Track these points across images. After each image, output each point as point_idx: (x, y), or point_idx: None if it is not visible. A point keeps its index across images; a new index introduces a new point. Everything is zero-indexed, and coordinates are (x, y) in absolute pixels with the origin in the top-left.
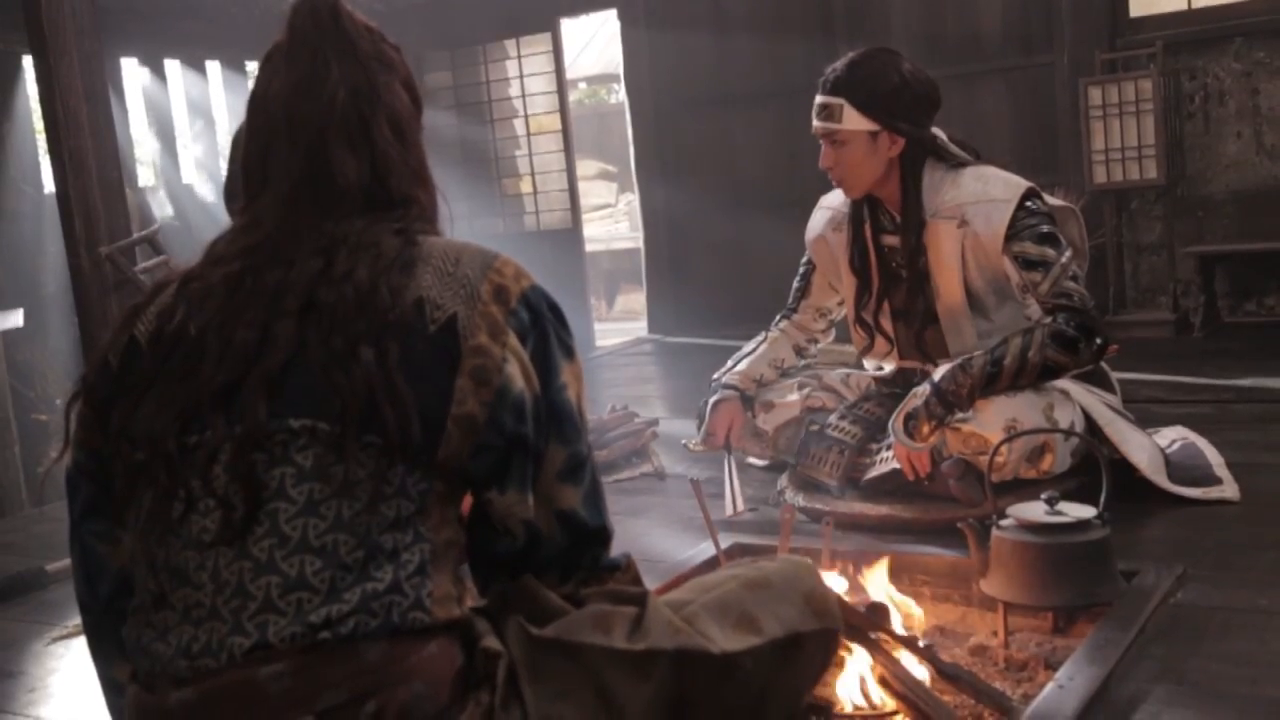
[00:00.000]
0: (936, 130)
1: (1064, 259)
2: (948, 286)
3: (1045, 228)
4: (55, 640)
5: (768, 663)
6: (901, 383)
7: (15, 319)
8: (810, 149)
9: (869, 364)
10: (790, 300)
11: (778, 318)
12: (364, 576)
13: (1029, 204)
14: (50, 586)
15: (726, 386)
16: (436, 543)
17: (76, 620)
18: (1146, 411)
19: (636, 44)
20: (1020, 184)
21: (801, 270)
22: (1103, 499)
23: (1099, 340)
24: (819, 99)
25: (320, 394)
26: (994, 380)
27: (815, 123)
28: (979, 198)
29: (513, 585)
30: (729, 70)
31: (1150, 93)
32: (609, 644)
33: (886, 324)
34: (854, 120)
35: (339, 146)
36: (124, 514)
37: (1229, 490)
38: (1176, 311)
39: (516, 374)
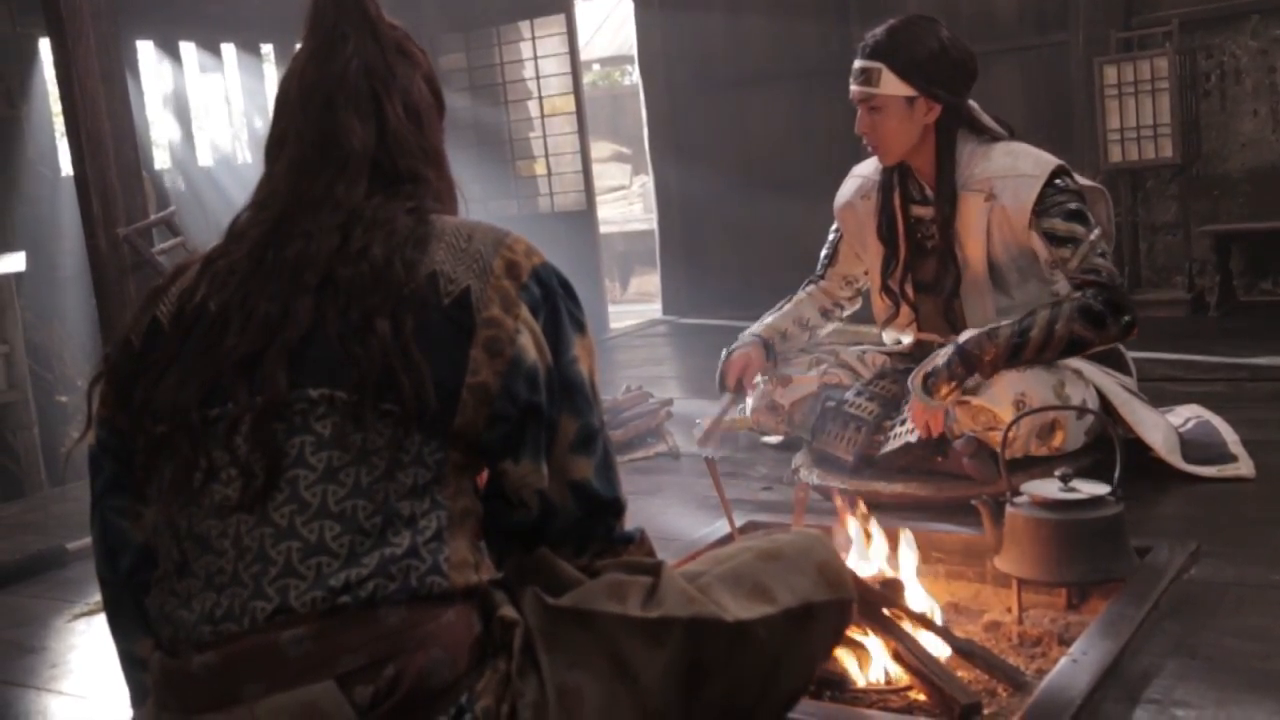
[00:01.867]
0: (972, 103)
1: (1093, 236)
2: (972, 259)
3: (1074, 205)
4: (76, 617)
5: (781, 632)
6: (919, 357)
7: (17, 262)
8: (824, 130)
9: (888, 337)
10: (819, 268)
11: (805, 282)
12: (382, 541)
13: (1058, 181)
14: (70, 565)
15: (752, 335)
16: (453, 510)
17: (97, 598)
18: (1162, 390)
19: (650, 25)
20: (1050, 161)
21: (830, 238)
22: (1116, 475)
23: (1127, 317)
24: (858, 63)
25: (338, 364)
26: (1019, 351)
27: (853, 87)
28: (1008, 172)
29: (529, 557)
30: (743, 52)
31: (1165, 71)
32: (624, 612)
33: (911, 294)
34: (892, 85)
35: (346, 112)
36: (145, 488)
37: (1244, 467)
38: (1192, 291)
39: (529, 345)
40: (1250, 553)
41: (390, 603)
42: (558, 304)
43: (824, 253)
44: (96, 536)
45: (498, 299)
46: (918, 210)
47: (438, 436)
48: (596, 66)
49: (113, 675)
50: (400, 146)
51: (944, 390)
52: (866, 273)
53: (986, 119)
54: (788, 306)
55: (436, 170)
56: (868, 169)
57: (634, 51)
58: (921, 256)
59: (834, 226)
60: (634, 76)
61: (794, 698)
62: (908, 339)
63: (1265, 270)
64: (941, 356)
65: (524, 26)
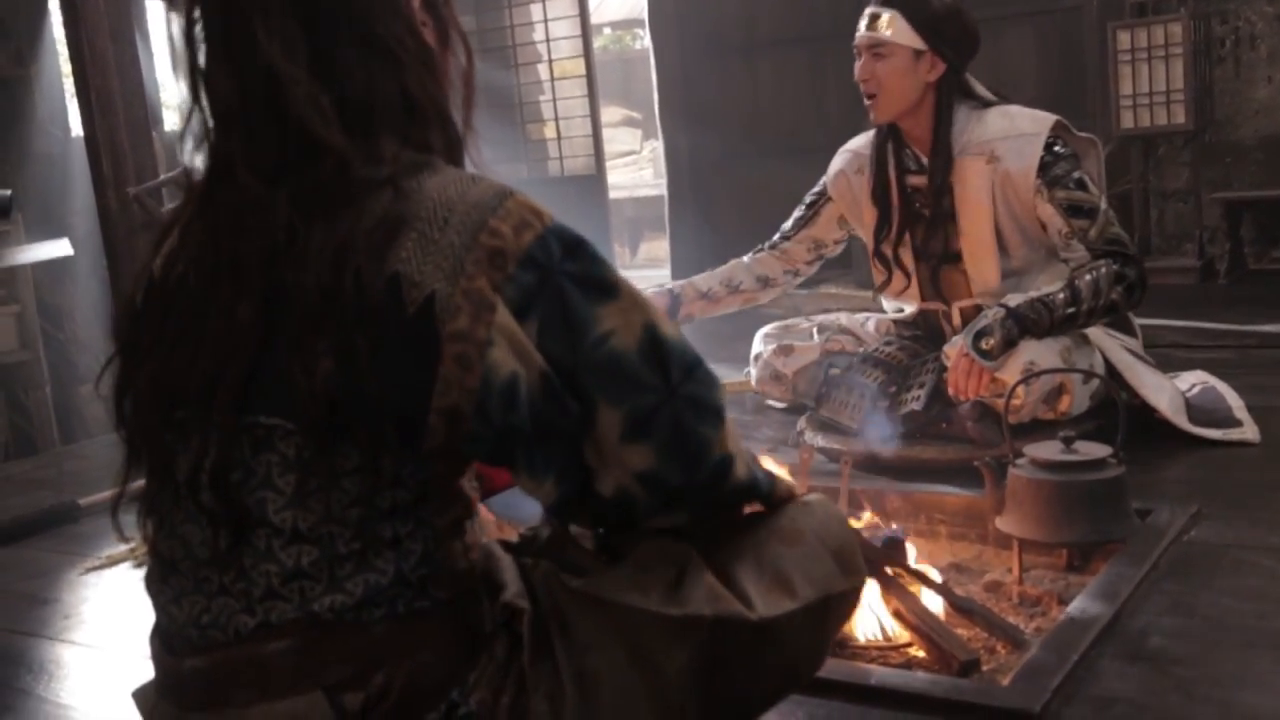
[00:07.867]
0: (968, 75)
1: (1104, 204)
2: (976, 224)
3: (1077, 173)
4: (88, 570)
5: (800, 626)
6: (923, 325)
7: (64, 247)
8: (835, 95)
9: (888, 305)
10: (787, 227)
11: (755, 249)
12: (364, 566)
13: (1057, 147)
14: (82, 519)
15: (666, 287)
16: (440, 526)
17: (108, 552)
18: (1169, 356)
19: None
20: (1047, 117)
21: (809, 200)
22: (1119, 438)
23: (1145, 289)
24: (870, 8)
25: (289, 397)
26: (1073, 319)
27: (861, 32)
28: (1007, 133)
29: (548, 532)
30: (754, 16)
31: (1180, 37)
32: (645, 606)
33: (907, 260)
34: (903, 34)
35: (215, 75)
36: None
37: (1249, 432)
38: (1202, 258)
39: (504, 357)
40: (1250, 515)
41: (377, 620)
42: (561, 286)
43: (797, 213)
44: None
45: (467, 305)
46: (913, 180)
47: (412, 460)
48: (607, 30)
49: (123, 627)
50: (280, 85)
51: (996, 350)
52: (838, 241)
53: (981, 88)
54: (723, 268)
55: (384, 67)
56: (857, 143)
57: (645, 15)
58: (917, 223)
59: (816, 189)
60: (645, 40)
61: (805, 681)
62: (910, 307)
63: (1276, 238)
64: (991, 318)
65: None
